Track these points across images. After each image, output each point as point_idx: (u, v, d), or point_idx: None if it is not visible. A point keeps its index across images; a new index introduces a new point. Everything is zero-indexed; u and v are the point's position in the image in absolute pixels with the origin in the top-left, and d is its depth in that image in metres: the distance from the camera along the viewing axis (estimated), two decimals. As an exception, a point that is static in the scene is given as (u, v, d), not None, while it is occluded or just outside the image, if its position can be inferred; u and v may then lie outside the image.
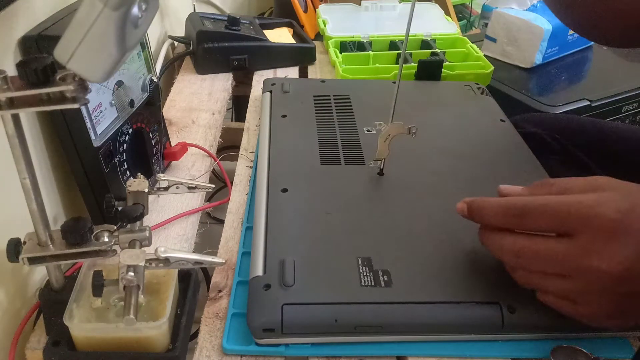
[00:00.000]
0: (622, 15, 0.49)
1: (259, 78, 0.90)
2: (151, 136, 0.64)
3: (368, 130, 0.67)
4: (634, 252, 0.37)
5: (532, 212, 0.41)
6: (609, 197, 0.39)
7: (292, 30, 1.03)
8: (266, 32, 0.97)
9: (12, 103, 0.36)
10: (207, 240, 0.61)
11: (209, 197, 0.78)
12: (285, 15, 1.09)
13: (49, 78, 0.35)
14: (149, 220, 0.57)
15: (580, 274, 0.39)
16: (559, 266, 0.40)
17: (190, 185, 0.54)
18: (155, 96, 0.63)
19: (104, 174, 0.55)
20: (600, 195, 0.39)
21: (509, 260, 0.43)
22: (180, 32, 1.00)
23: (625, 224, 0.37)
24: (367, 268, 0.46)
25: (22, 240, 0.43)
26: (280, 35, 0.99)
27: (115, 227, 0.44)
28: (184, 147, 0.68)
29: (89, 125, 0.52)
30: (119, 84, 0.57)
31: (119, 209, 0.45)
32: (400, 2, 1.11)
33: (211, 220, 0.87)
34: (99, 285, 0.41)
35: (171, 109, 0.81)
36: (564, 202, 0.40)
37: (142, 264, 0.40)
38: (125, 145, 0.59)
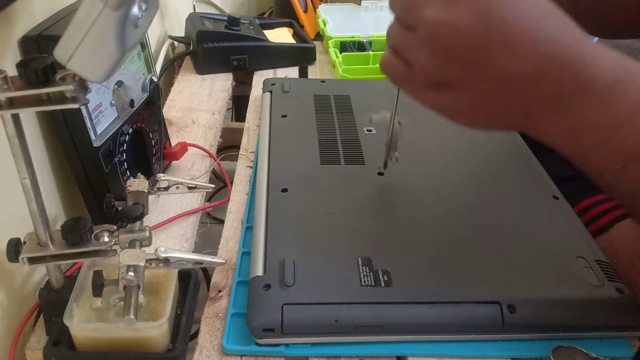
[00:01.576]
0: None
1: (259, 78, 0.90)
2: (151, 136, 0.64)
3: (368, 130, 0.67)
4: (468, 11, 0.36)
5: None
6: None
7: (292, 30, 1.03)
8: (266, 32, 0.97)
9: (12, 103, 0.36)
10: (207, 240, 0.61)
11: (209, 197, 0.78)
12: (285, 15, 1.09)
13: (49, 78, 0.35)
14: (149, 220, 0.57)
15: (419, 23, 0.37)
16: (409, 14, 0.38)
17: (190, 185, 0.54)
18: (155, 96, 0.63)
19: (104, 174, 0.55)
20: None
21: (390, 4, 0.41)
22: (180, 32, 1.00)
23: None
24: (367, 268, 0.46)
25: (22, 240, 0.43)
26: (280, 35, 0.99)
27: (115, 227, 0.44)
28: (184, 147, 0.68)
29: (89, 125, 0.52)
30: (119, 84, 0.57)
31: (119, 209, 0.45)
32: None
33: (211, 220, 0.87)
34: (99, 285, 0.41)
35: (171, 109, 0.81)
36: None
37: (142, 264, 0.40)
38: (125, 145, 0.59)
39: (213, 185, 0.57)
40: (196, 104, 0.83)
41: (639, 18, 0.52)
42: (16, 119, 0.38)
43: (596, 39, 0.86)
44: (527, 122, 0.38)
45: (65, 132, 0.53)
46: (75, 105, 0.36)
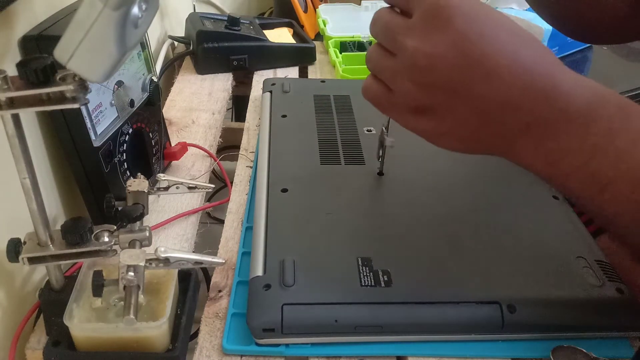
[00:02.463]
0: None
1: (259, 78, 0.90)
2: (151, 136, 0.64)
3: (368, 130, 0.67)
4: (447, 43, 0.37)
5: None
6: None
7: (292, 30, 1.03)
8: (266, 32, 0.97)
9: (12, 103, 0.36)
10: (207, 240, 0.61)
11: (209, 197, 0.78)
12: (285, 15, 1.09)
13: (49, 78, 0.35)
14: (149, 220, 0.57)
15: (400, 51, 0.39)
16: (390, 40, 0.40)
17: (190, 185, 0.54)
18: (155, 96, 0.63)
19: (104, 174, 0.55)
20: None
21: (373, 31, 0.43)
22: (180, 32, 1.00)
23: (452, 13, 0.37)
24: (367, 268, 0.46)
25: (22, 240, 0.43)
26: (280, 35, 0.99)
27: (115, 227, 0.44)
28: (184, 147, 0.68)
29: (89, 125, 0.52)
30: (119, 84, 0.57)
31: (119, 209, 0.45)
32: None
33: (211, 220, 0.87)
34: (99, 285, 0.41)
35: (171, 109, 0.81)
36: None
37: (142, 264, 0.40)
38: (125, 145, 0.59)
39: (213, 185, 0.57)
40: (196, 104, 0.83)
41: (626, 24, 0.52)
42: (16, 119, 0.38)
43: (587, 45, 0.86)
44: (506, 148, 0.40)
45: (65, 132, 0.53)
46: (75, 105, 0.36)
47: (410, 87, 0.39)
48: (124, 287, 0.40)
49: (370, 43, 0.96)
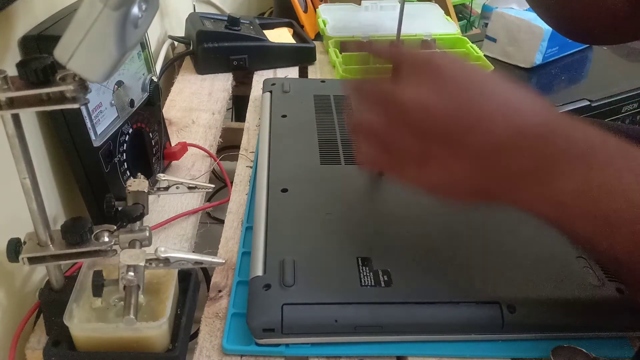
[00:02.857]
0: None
1: (259, 78, 0.90)
2: (151, 136, 0.64)
3: (368, 130, 0.67)
4: (439, 92, 0.38)
5: (383, 43, 0.44)
6: (440, 53, 0.41)
7: (292, 30, 1.03)
8: (266, 32, 0.97)
9: (12, 103, 0.36)
10: (207, 240, 0.61)
11: (209, 197, 0.78)
12: (285, 15, 1.09)
13: (49, 78, 0.35)
14: (149, 220, 0.57)
15: (394, 106, 0.40)
16: (382, 99, 0.41)
17: (190, 185, 0.54)
18: (155, 96, 0.63)
19: (104, 174, 0.55)
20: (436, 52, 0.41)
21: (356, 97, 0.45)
22: (180, 32, 1.00)
23: (439, 65, 0.39)
24: (367, 268, 0.46)
25: (22, 240, 0.43)
26: (280, 35, 0.99)
27: (115, 227, 0.44)
28: (184, 147, 0.68)
29: (89, 125, 0.52)
30: (119, 84, 0.57)
31: (119, 209, 0.45)
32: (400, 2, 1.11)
33: (211, 220, 0.87)
34: (99, 285, 0.41)
35: (171, 109, 0.81)
36: (404, 50, 0.42)
37: (142, 264, 0.40)
38: (125, 145, 0.59)
39: (213, 185, 0.57)
40: (196, 104, 0.83)
41: (625, 24, 0.52)
42: (16, 119, 0.38)
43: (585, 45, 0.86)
44: (511, 194, 0.39)
45: (65, 132, 0.53)
46: (75, 105, 0.36)
47: (409, 139, 0.39)
48: (124, 287, 0.40)
49: (370, 43, 0.96)
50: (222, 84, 0.89)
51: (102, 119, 0.54)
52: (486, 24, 1.63)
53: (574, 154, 0.37)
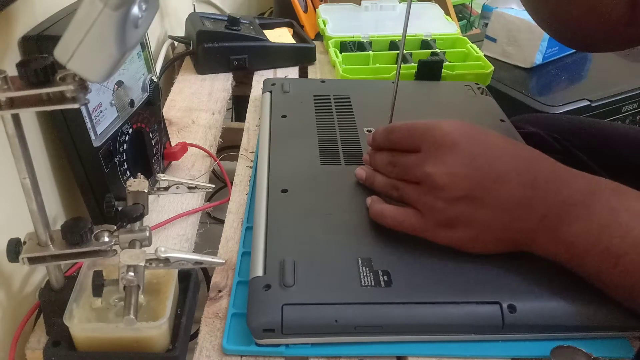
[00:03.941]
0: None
1: (259, 78, 0.90)
2: (151, 136, 0.64)
3: (368, 131, 0.67)
4: (459, 161, 0.45)
5: (395, 129, 0.51)
6: (450, 121, 0.48)
7: (292, 30, 1.03)
8: (266, 32, 0.97)
9: (12, 103, 0.36)
10: (207, 240, 0.61)
11: (209, 197, 0.78)
12: (285, 15, 1.09)
13: (49, 78, 0.35)
14: (149, 220, 0.57)
15: (421, 179, 0.47)
16: (409, 173, 0.48)
17: (190, 185, 0.54)
18: (155, 96, 0.63)
19: (104, 174, 0.55)
20: (445, 120, 0.48)
21: (382, 169, 0.53)
22: (180, 32, 1.00)
23: (454, 138, 0.46)
24: (367, 268, 0.46)
25: (22, 240, 0.43)
26: (280, 35, 0.99)
27: (115, 227, 0.44)
28: (184, 147, 0.68)
29: (89, 125, 0.52)
30: (119, 84, 0.57)
31: (119, 209, 0.45)
32: (400, 2, 1.11)
33: (211, 220, 0.87)
34: (99, 285, 0.41)
35: (171, 109, 0.81)
36: (417, 123, 0.49)
37: (142, 264, 0.40)
38: (125, 145, 0.59)
39: (213, 185, 0.57)
40: (196, 104, 0.83)
41: (622, 30, 0.52)
42: (16, 119, 0.38)
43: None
44: (529, 242, 0.45)
45: (65, 132, 0.53)
46: (75, 105, 0.36)
47: (437, 205, 0.46)
48: (124, 287, 0.40)
49: (370, 43, 0.96)
50: (222, 84, 0.89)
51: (102, 119, 0.54)
52: (486, 24, 1.63)
53: (576, 199, 0.43)
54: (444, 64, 0.85)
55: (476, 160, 0.45)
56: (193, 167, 0.69)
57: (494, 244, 0.47)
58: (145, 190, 0.48)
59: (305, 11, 1.12)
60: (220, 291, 0.50)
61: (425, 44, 0.97)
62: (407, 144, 0.49)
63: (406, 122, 0.50)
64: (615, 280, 0.42)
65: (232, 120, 1.25)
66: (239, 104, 1.22)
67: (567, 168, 0.46)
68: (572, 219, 0.43)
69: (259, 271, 0.46)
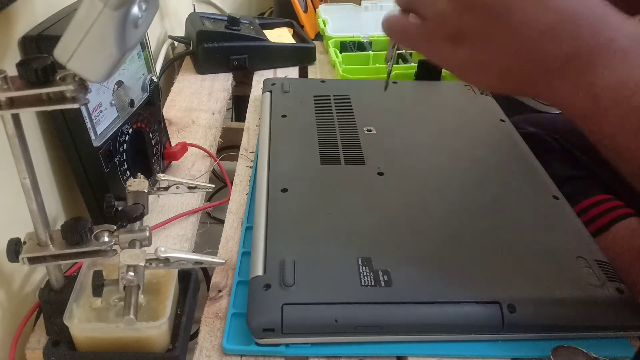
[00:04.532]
0: None
1: (259, 78, 0.90)
2: (151, 136, 0.64)
3: (368, 130, 0.67)
4: None
5: None
6: None
7: (292, 30, 1.03)
8: (266, 32, 0.97)
9: (12, 103, 0.36)
10: (207, 240, 0.61)
11: (209, 197, 0.78)
12: (285, 15, 1.09)
13: (49, 78, 0.35)
14: (149, 220, 0.57)
15: None
16: None
17: (190, 185, 0.54)
18: (155, 96, 0.63)
19: (104, 174, 0.55)
20: None
21: None
22: (180, 32, 1.00)
23: None
24: (367, 268, 0.46)
25: (22, 240, 0.43)
26: (280, 35, 0.99)
27: (115, 227, 0.44)
28: (184, 147, 0.68)
29: (89, 125, 0.52)
30: (119, 84, 0.57)
31: (119, 209, 0.45)
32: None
33: (211, 220, 0.87)
34: (99, 285, 0.41)
35: (171, 109, 0.81)
36: None
37: (142, 264, 0.40)
38: (125, 145, 0.59)
39: (213, 185, 0.57)
40: (196, 104, 0.83)
41: None
42: (16, 119, 0.38)
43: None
44: (543, 83, 0.37)
45: (65, 132, 0.53)
46: (75, 105, 0.36)
47: (448, 10, 0.37)
48: (124, 287, 0.40)
49: (370, 43, 0.96)
50: (222, 84, 0.89)
51: (102, 119, 0.54)
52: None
53: (620, 46, 0.35)
54: (444, 64, 0.85)
55: None
56: (193, 167, 0.69)
57: (499, 78, 0.39)
58: (145, 190, 0.48)
59: (305, 11, 1.12)
60: (220, 291, 0.50)
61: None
62: None
63: None
64: (635, 146, 0.36)
65: (232, 120, 1.25)
66: (239, 104, 1.22)
67: (618, 12, 0.37)
68: (607, 65, 0.35)
69: (259, 271, 0.46)
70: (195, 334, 0.47)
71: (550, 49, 0.36)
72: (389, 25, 0.42)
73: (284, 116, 0.70)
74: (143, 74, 0.62)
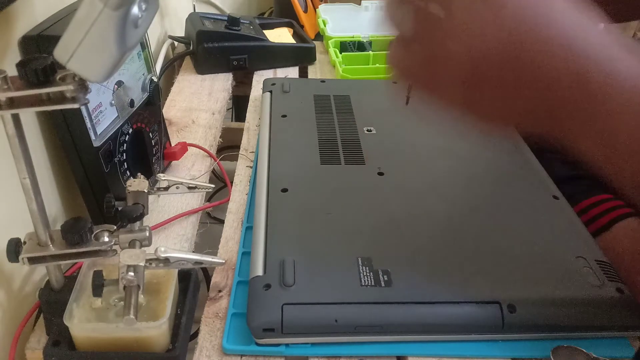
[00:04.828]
0: None
1: (259, 78, 0.90)
2: (151, 136, 0.64)
3: (368, 130, 0.67)
4: (503, 16, 0.32)
5: None
6: None
7: (292, 30, 1.03)
8: (266, 32, 0.97)
9: (12, 103, 0.36)
10: (207, 240, 0.61)
11: (209, 197, 0.78)
12: (285, 15, 1.09)
13: (49, 78, 0.35)
14: (149, 220, 0.57)
15: (450, 10, 0.33)
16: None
17: (190, 185, 0.54)
18: (155, 96, 0.63)
19: (104, 174, 0.55)
20: None
21: None
22: (180, 32, 1.00)
23: None
24: (367, 268, 0.46)
25: (22, 240, 0.43)
26: (280, 35, 0.99)
27: (115, 227, 0.44)
28: (184, 147, 0.68)
29: (89, 125, 0.52)
30: (119, 84, 0.57)
31: (119, 209, 0.45)
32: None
33: (211, 220, 0.87)
34: (99, 285, 0.41)
35: (171, 109, 0.81)
36: None
37: (142, 264, 0.40)
38: (125, 145, 0.59)
39: (213, 185, 0.57)
40: (196, 104, 0.83)
41: None
42: (16, 119, 0.38)
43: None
44: (556, 124, 0.37)
45: (65, 132, 0.53)
46: (75, 105, 0.36)
47: (463, 54, 0.33)
48: (124, 287, 0.40)
49: (370, 43, 0.96)
50: (222, 84, 0.89)
51: (102, 119, 0.54)
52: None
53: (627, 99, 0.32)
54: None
55: (524, 13, 0.32)
56: (193, 167, 0.69)
57: (517, 118, 0.38)
58: (145, 190, 0.48)
59: (305, 11, 1.12)
60: (220, 291, 0.50)
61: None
62: None
63: None
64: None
65: (232, 120, 1.25)
66: (239, 104, 1.22)
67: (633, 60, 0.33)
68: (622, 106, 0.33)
69: (259, 271, 0.46)
70: (195, 334, 0.47)
71: (564, 92, 0.34)
72: (393, 56, 0.38)
73: (284, 116, 0.70)
74: (143, 74, 0.62)
